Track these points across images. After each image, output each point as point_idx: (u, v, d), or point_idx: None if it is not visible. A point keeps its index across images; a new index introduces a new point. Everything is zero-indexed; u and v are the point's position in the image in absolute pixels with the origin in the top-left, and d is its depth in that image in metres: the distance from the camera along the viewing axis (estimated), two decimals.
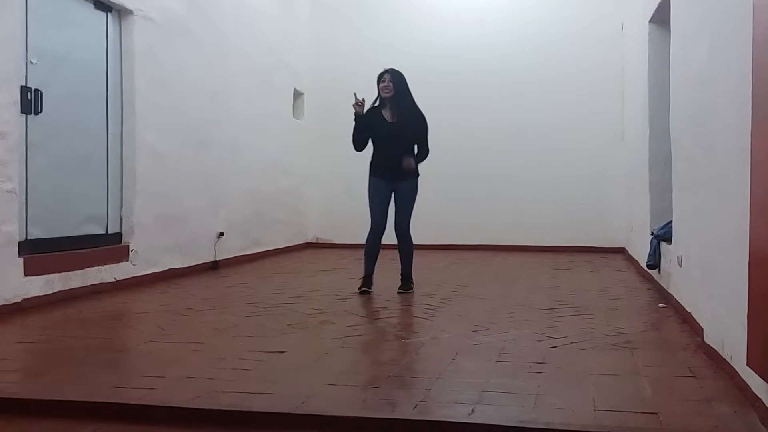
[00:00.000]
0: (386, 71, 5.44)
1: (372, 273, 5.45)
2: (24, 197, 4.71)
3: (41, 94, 4.88)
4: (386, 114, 5.47)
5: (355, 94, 5.39)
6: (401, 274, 5.54)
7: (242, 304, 4.91)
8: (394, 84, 5.37)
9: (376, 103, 5.52)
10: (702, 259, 3.64)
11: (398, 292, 5.39)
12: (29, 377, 3.15)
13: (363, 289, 5.37)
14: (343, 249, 9.27)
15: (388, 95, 5.39)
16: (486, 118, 9.15)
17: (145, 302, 5.05)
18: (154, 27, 6.11)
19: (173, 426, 2.45)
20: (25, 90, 4.72)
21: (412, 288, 5.50)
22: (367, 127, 5.44)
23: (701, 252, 3.66)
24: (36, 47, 4.85)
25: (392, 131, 5.41)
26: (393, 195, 5.54)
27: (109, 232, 5.68)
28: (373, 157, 5.62)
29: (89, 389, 2.77)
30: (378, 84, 5.46)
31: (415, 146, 5.51)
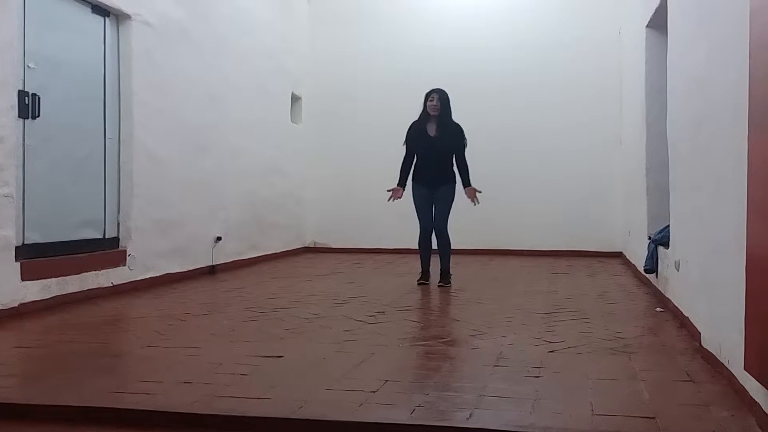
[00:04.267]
0: (434, 91, 6.06)
1: (428, 268, 6.16)
2: (21, 201, 4.70)
3: (39, 98, 4.87)
4: (430, 129, 6.09)
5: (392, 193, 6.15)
6: (440, 270, 6.07)
7: (240, 308, 4.91)
8: (441, 104, 6.00)
9: (420, 118, 6.16)
10: (699, 264, 3.64)
11: (438, 285, 5.96)
12: (26, 382, 3.14)
13: (422, 281, 6.07)
14: (341, 253, 9.28)
15: (435, 114, 6.03)
16: (483, 123, 9.12)
17: (142, 307, 5.04)
18: (152, 31, 6.11)
19: (169, 431, 2.44)
20: (22, 94, 4.72)
21: (450, 282, 6.01)
22: (411, 145, 6.15)
23: (699, 256, 3.67)
24: (33, 51, 4.84)
25: (434, 144, 6.04)
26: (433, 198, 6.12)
27: (107, 236, 5.68)
28: (415, 167, 6.17)
29: (86, 394, 2.76)
30: (426, 101, 6.08)
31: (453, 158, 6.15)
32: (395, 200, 6.14)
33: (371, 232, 9.52)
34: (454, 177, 6.13)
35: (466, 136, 6.17)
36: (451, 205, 6.09)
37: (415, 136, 6.12)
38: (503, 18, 9.32)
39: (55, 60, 5.10)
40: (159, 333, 4.03)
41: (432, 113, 6.03)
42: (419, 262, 6.20)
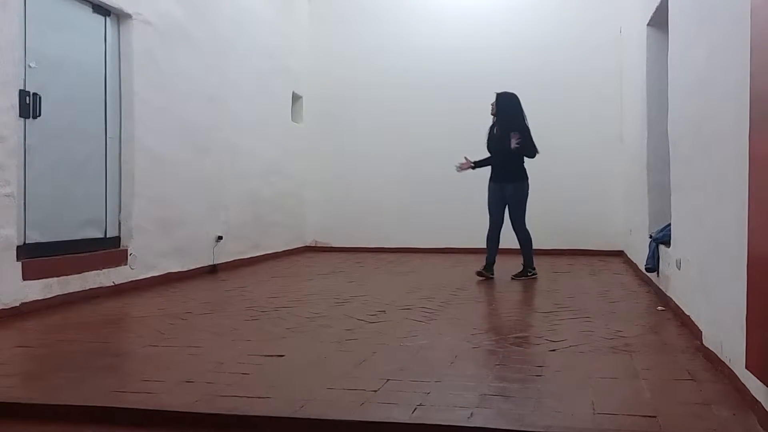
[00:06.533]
0: (497, 96, 6.70)
1: (493, 262, 6.53)
2: (22, 201, 4.71)
3: (39, 97, 4.88)
4: (495, 128, 6.69)
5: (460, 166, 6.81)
6: (522, 264, 6.53)
7: (241, 307, 4.91)
8: (497, 106, 6.66)
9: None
10: (700, 262, 3.64)
11: (511, 278, 6.40)
12: (28, 381, 3.14)
13: (481, 272, 6.46)
14: (342, 253, 9.28)
15: (494, 114, 6.72)
16: (484, 121, 9.14)
17: (143, 306, 5.05)
18: (153, 31, 6.11)
19: (172, 430, 2.45)
20: (23, 94, 4.72)
21: (528, 275, 6.44)
22: (487, 145, 6.76)
23: (700, 255, 3.67)
24: (34, 51, 4.85)
25: (495, 143, 6.61)
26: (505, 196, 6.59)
27: (108, 235, 5.68)
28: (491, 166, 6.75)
29: (88, 393, 2.77)
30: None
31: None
32: (461, 170, 6.82)
33: (372, 231, 9.52)
34: (522, 176, 6.51)
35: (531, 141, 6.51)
36: (523, 202, 6.53)
37: (488, 136, 6.76)
38: (504, 17, 9.32)
39: (56, 59, 5.11)
40: (160, 332, 4.04)
41: (491, 114, 6.72)
42: (486, 254, 6.59)
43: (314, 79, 9.81)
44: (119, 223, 5.81)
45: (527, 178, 6.55)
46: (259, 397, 2.71)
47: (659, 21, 5.67)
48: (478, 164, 6.78)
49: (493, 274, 6.48)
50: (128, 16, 5.81)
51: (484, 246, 9.34)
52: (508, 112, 6.61)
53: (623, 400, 2.71)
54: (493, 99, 6.73)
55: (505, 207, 6.58)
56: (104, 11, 5.64)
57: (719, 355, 3.06)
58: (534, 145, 6.51)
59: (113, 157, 5.76)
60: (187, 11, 6.65)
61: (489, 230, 6.62)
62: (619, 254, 8.59)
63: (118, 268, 5.62)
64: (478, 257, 8.46)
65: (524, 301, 5.14)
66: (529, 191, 6.58)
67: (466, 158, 6.72)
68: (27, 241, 4.76)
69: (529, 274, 6.47)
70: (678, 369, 3.15)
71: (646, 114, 6.24)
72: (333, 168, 9.81)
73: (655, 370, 3.17)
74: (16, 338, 3.96)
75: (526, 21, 9.24)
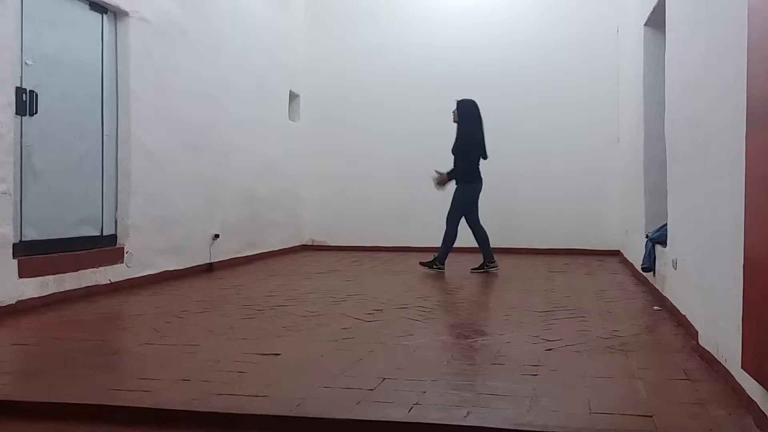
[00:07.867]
0: (457, 103, 7.10)
1: (487, 256, 7.04)
2: (19, 199, 4.70)
3: (36, 95, 4.87)
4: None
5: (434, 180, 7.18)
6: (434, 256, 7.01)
7: (237, 306, 4.90)
8: (457, 114, 7.07)
9: None
10: (697, 262, 3.65)
11: (419, 263, 7.01)
12: (23, 379, 3.13)
13: (474, 268, 7.07)
14: (339, 251, 9.28)
15: (455, 121, 7.09)
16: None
17: (139, 304, 5.04)
18: (150, 28, 6.10)
19: (168, 428, 2.44)
20: (20, 91, 4.71)
21: (433, 267, 6.88)
22: None
23: (696, 255, 3.67)
24: (31, 48, 4.84)
25: (454, 146, 7.03)
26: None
27: (104, 233, 5.67)
28: None
29: (84, 391, 2.76)
30: None
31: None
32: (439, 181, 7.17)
33: (369, 230, 9.52)
34: (461, 179, 6.93)
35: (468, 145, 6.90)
36: (461, 204, 6.93)
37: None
38: (501, 17, 9.32)
39: (53, 57, 5.09)
40: (157, 330, 4.03)
41: (455, 122, 7.10)
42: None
43: (311, 78, 9.80)
44: (116, 221, 5.80)
45: (476, 182, 6.93)
46: (256, 396, 2.70)
47: (656, 21, 5.68)
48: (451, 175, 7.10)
49: (486, 269, 6.97)
50: (125, 13, 5.80)
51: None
52: (460, 121, 7.03)
53: (619, 399, 2.71)
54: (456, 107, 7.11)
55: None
56: (101, 9, 5.63)
57: (715, 355, 3.06)
58: (469, 155, 6.88)
59: (110, 155, 5.75)
60: (184, 9, 6.63)
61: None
62: (616, 254, 8.60)
63: (114, 266, 5.61)
64: (474, 256, 8.47)
65: (520, 300, 5.14)
66: (480, 193, 6.97)
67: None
68: (23, 239, 4.75)
69: (433, 267, 6.88)
70: (674, 369, 3.16)
71: (642, 114, 6.24)
72: (330, 166, 9.81)
73: (651, 369, 3.18)
74: (12, 336, 3.95)
75: (524, 20, 9.24)
